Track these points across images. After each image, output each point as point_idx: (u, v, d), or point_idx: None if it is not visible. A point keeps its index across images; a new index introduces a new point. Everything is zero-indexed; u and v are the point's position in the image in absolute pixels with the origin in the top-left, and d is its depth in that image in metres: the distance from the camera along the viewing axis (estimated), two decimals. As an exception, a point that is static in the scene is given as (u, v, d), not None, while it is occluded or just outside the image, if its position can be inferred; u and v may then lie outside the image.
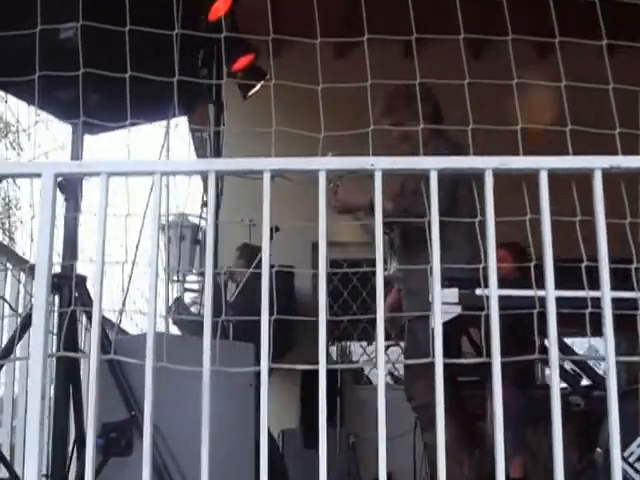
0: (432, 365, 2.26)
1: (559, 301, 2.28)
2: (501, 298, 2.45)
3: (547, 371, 7.98)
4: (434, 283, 1.91)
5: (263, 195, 1.92)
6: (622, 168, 1.95)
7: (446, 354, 2.10)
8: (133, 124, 2.21)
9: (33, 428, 1.81)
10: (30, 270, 3.04)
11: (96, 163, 1.94)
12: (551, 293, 1.90)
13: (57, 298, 2.61)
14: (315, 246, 7.69)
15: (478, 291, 2.72)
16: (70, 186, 2.56)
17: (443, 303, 2.88)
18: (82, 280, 2.60)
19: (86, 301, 2.52)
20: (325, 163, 1.94)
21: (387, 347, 8.41)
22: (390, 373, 7.70)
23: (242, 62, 4.50)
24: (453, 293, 2.79)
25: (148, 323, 1.87)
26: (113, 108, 2.43)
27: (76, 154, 2.71)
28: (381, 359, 1.90)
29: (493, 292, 1.91)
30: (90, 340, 3.66)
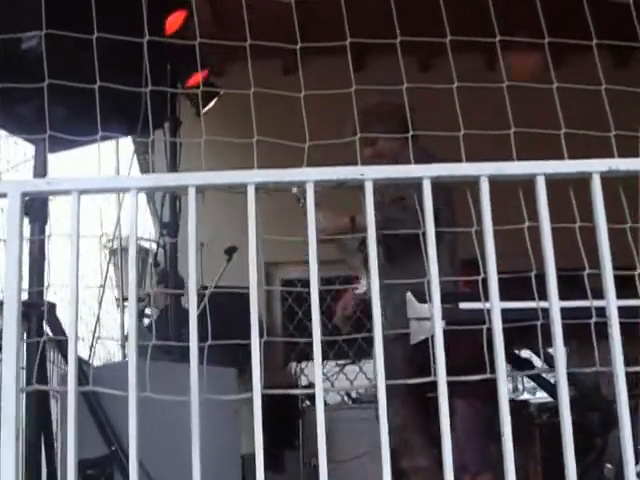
0: (406, 385, 2.17)
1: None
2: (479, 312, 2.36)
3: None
4: (433, 296, 1.81)
5: (248, 210, 1.81)
6: (621, 171, 1.88)
7: (426, 372, 2.00)
8: (103, 139, 2.07)
9: (7, 471, 1.66)
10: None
11: (66, 180, 1.81)
12: (555, 304, 1.81)
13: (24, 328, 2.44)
14: (269, 266, 7.63)
15: (463, 305, 2.63)
16: (35, 206, 2.40)
17: (424, 319, 2.78)
18: (52, 308, 2.43)
19: (57, 330, 2.36)
20: (313, 174, 1.83)
21: (344, 365, 8.30)
22: (347, 393, 7.58)
23: (196, 78, 4.37)
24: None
25: (130, 351, 1.73)
26: (75, 124, 2.29)
27: (40, 173, 2.55)
28: (381, 379, 1.78)
29: (495, 304, 1.81)
30: (58, 373, 3.49)
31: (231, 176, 1.82)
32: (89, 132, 2.31)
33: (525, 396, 7.74)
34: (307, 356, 7.62)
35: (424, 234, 1.85)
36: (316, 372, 1.77)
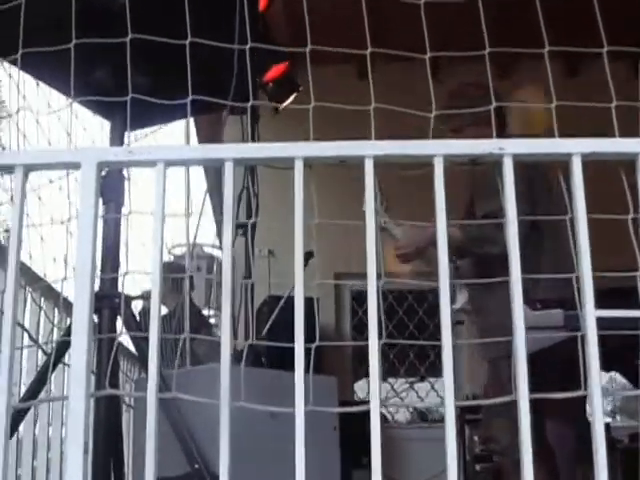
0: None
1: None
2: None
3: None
4: (585, 299, 1.49)
5: (366, 185, 1.51)
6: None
7: (541, 387, 1.67)
8: (193, 110, 1.79)
9: (74, 489, 1.38)
10: (49, 292, 2.59)
11: (151, 149, 1.53)
12: None
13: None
14: (338, 276, 7.20)
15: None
16: (109, 184, 2.11)
17: (544, 328, 2.45)
18: (127, 300, 2.13)
19: (132, 327, 2.06)
20: (442, 148, 1.53)
21: (412, 383, 7.95)
22: (418, 412, 7.25)
23: (275, 72, 4.09)
24: (556, 315, 2.36)
25: (222, 355, 1.44)
26: (157, 97, 2.00)
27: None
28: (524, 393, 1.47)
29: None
30: (127, 383, 3.21)
31: (345, 147, 1.52)
32: (171, 108, 2.04)
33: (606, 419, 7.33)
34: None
35: (572, 221, 1.54)
36: (446, 389, 1.46)
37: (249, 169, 3.84)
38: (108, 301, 2.09)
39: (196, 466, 1.89)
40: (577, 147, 1.54)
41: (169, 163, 1.51)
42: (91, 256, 1.48)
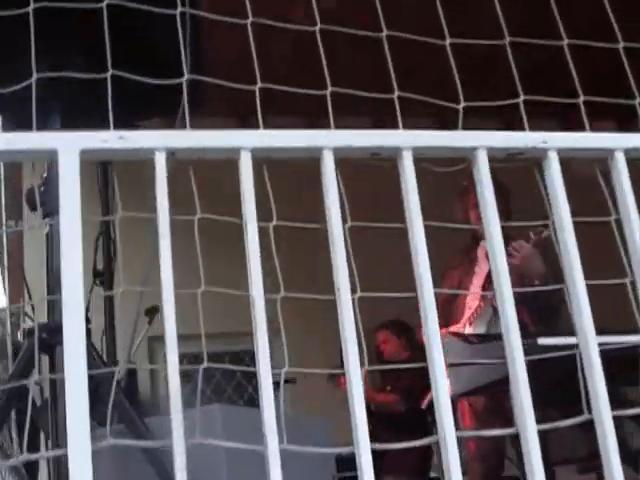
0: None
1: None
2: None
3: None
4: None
5: (403, 183, 1.28)
6: None
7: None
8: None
9: None
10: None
11: (148, 135, 1.23)
12: None
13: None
14: (152, 340, 6.63)
15: (541, 340, 2.16)
16: (51, 191, 1.70)
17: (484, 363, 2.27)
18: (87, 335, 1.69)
19: (96, 365, 1.63)
20: (485, 139, 1.33)
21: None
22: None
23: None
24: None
25: (261, 399, 1.15)
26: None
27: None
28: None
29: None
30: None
31: (380, 136, 1.29)
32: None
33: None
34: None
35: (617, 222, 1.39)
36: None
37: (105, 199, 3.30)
38: (60, 335, 1.68)
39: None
40: (619, 142, 1.39)
41: (171, 152, 1.22)
42: (79, 266, 1.16)
